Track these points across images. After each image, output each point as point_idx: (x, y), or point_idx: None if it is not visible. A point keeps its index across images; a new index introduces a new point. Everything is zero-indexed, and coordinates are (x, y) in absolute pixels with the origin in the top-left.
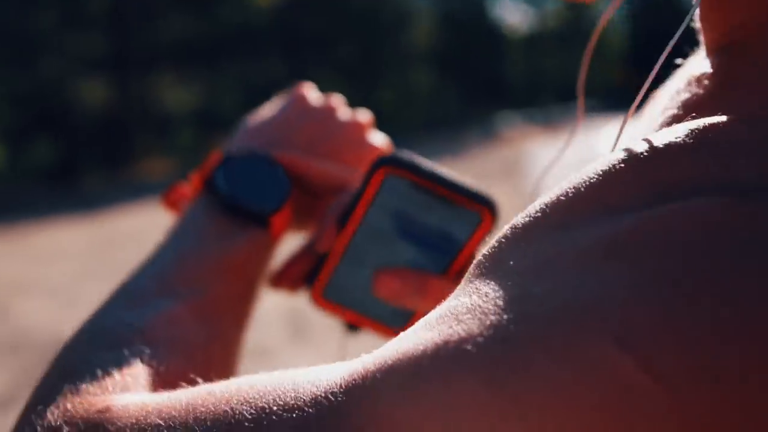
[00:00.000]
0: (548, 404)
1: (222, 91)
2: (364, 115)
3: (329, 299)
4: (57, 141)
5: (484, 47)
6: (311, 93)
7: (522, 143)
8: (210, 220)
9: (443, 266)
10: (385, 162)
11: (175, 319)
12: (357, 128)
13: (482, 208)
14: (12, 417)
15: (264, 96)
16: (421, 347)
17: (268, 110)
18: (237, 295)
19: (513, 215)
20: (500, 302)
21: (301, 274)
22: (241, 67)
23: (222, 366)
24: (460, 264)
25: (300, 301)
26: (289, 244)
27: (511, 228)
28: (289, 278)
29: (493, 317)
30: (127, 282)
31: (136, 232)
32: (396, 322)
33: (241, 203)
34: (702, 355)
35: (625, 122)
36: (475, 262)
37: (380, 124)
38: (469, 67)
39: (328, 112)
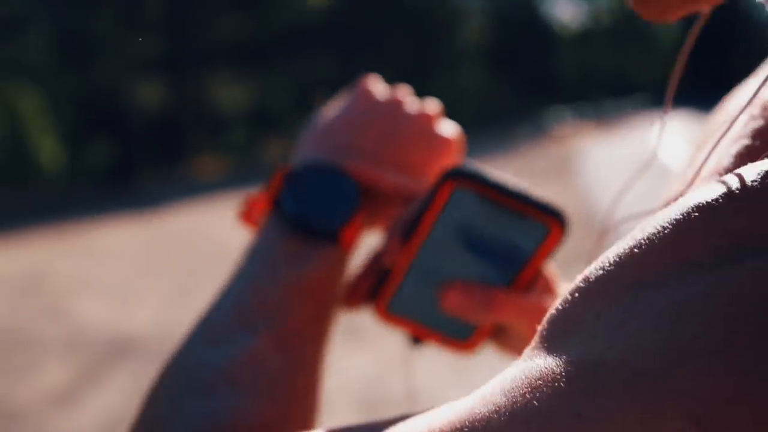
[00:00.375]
0: None
1: (275, 90)
2: (432, 106)
3: (393, 313)
4: (113, 141)
5: (535, 45)
6: (377, 87)
7: (573, 140)
8: (280, 241)
9: (510, 278)
10: (453, 175)
11: (257, 356)
12: (426, 120)
13: (551, 220)
14: (71, 414)
15: (316, 94)
16: (495, 417)
17: (333, 109)
18: (315, 317)
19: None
20: (573, 369)
21: (364, 287)
22: (294, 66)
23: (306, 393)
24: (527, 276)
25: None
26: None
27: (584, 281)
28: (359, 296)
29: (566, 386)
30: (206, 315)
31: (190, 231)
32: (461, 334)
33: (310, 221)
34: None
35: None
36: (548, 316)
37: None
38: (520, 64)
39: (396, 105)
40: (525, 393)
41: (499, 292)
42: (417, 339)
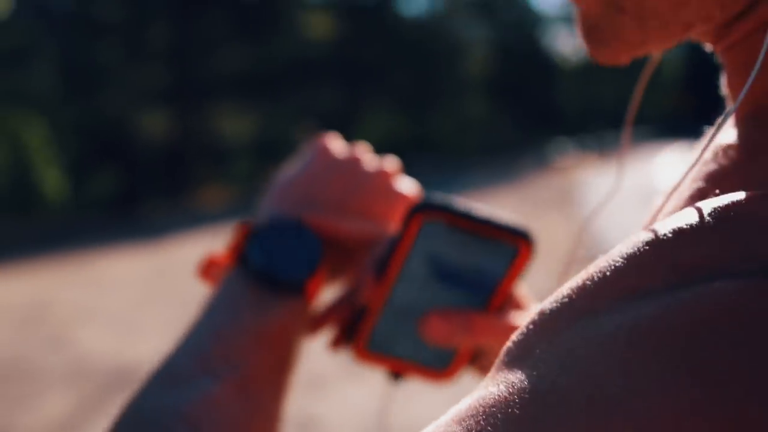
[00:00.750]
0: None
1: (278, 121)
2: (390, 163)
3: (371, 351)
4: (118, 172)
5: (537, 76)
6: (335, 144)
7: (576, 171)
8: (244, 292)
9: (484, 302)
10: (420, 208)
11: (217, 400)
12: (385, 177)
13: (519, 240)
14: None
15: (306, 128)
16: None
17: (293, 167)
18: (276, 366)
19: (566, 244)
20: (526, 395)
21: (340, 329)
22: (298, 97)
23: None
24: (500, 298)
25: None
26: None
27: (539, 314)
28: (339, 337)
29: (519, 412)
30: (166, 360)
31: (194, 261)
32: (440, 363)
33: (274, 273)
34: None
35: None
36: (504, 348)
37: (435, 152)
38: (523, 96)
39: (354, 162)
40: (479, 420)
41: (477, 315)
42: (397, 375)
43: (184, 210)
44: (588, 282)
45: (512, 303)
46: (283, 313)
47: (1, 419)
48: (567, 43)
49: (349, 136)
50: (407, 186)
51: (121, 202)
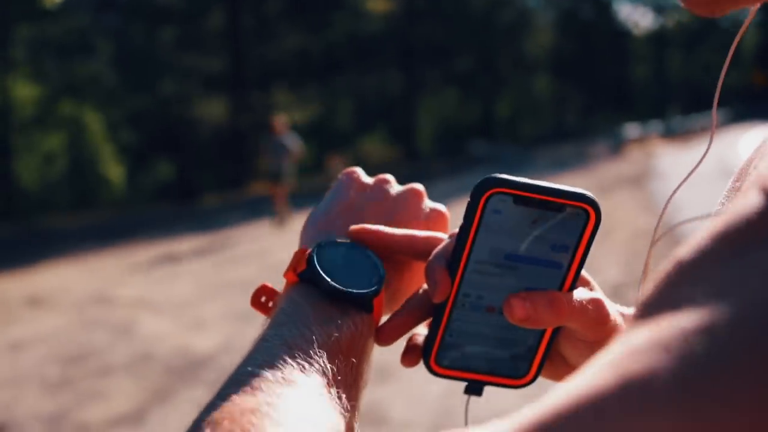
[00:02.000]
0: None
1: (337, 105)
2: (417, 185)
3: (447, 365)
4: (176, 161)
5: (608, 50)
6: (361, 174)
7: (647, 152)
8: (310, 310)
9: (560, 280)
10: (486, 184)
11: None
12: (416, 197)
13: (585, 207)
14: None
15: (379, 109)
16: (601, 388)
17: (326, 202)
18: (346, 378)
19: (634, 225)
20: (683, 333)
21: (412, 344)
22: (356, 80)
23: None
24: (574, 272)
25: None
26: None
27: (678, 262)
28: (413, 352)
29: (680, 347)
30: (234, 373)
31: (253, 251)
32: (519, 371)
33: (346, 289)
34: None
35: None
36: (639, 300)
37: (499, 136)
38: (592, 71)
39: (384, 188)
40: (631, 363)
41: (558, 293)
42: (475, 386)
43: (243, 199)
44: (729, 228)
45: (580, 281)
46: (351, 327)
47: (70, 407)
48: (639, 16)
49: (410, 119)
50: (437, 204)
51: (180, 192)
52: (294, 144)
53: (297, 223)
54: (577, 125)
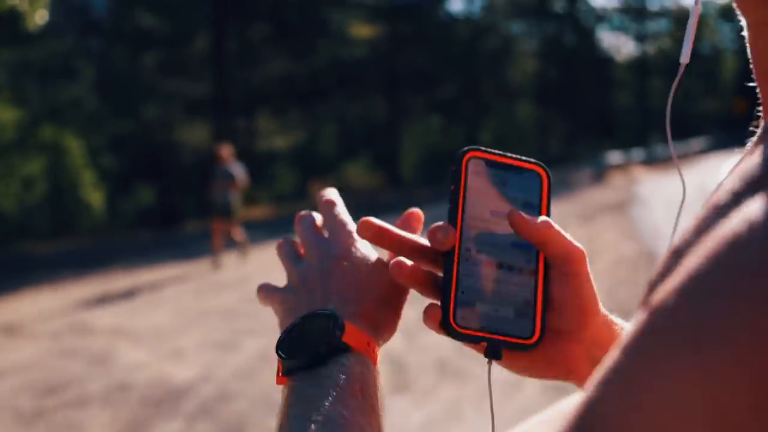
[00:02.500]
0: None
1: (321, 131)
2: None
3: (464, 325)
4: (157, 187)
5: (591, 76)
6: (303, 229)
7: (629, 179)
8: (297, 392)
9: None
10: (465, 150)
11: None
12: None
13: (537, 169)
14: None
15: (363, 135)
16: (624, 358)
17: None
18: (363, 411)
19: (617, 252)
20: (682, 299)
21: (432, 306)
22: (340, 106)
23: None
24: (543, 212)
25: (396, 344)
26: None
27: (672, 250)
28: (434, 314)
29: (676, 314)
30: None
31: (235, 278)
32: (526, 330)
33: (296, 357)
34: None
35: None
36: (648, 285)
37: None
38: (575, 98)
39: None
40: (643, 335)
41: (537, 218)
42: (493, 351)
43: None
44: (701, 219)
45: (576, 254)
46: (354, 368)
47: None
48: (621, 40)
49: (394, 145)
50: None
51: (161, 218)
52: (239, 173)
53: (271, 251)
54: (561, 152)
